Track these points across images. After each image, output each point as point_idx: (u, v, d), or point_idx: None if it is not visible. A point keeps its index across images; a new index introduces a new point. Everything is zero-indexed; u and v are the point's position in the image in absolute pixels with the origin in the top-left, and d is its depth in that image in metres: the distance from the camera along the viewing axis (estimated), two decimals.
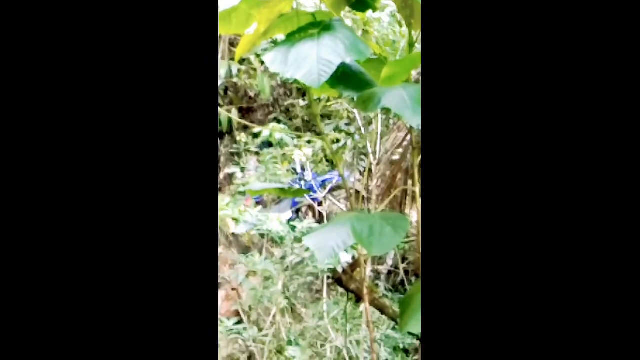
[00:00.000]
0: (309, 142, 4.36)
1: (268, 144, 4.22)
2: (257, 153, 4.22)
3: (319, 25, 1.41)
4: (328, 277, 3.42)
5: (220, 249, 3.93)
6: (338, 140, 3.94)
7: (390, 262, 4.01)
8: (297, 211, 4.99)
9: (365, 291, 1.97)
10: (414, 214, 3.13)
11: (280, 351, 3.14)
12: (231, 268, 3.71)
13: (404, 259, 3.82)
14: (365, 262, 2.89)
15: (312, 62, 1.29)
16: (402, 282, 3.79)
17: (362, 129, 3.48)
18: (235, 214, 3.28)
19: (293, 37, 1.40)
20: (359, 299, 3.29)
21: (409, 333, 3.18)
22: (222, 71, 5.54)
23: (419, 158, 1.96)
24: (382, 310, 3.20)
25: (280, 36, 1.54)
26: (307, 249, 3.02)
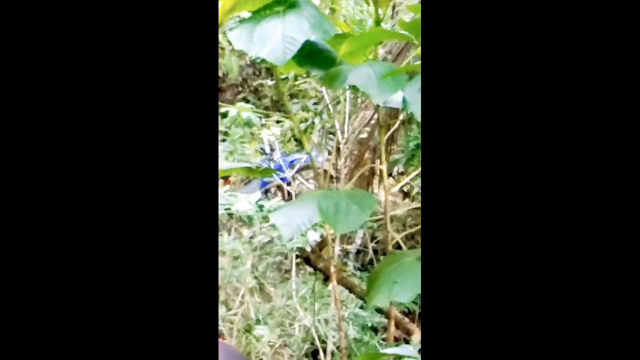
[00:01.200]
0: (277, 121, 4.34)
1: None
2: (225, 133, 4.20)
3: (284, 3, 1.40)
4: (297, 257, 3.43)
5: None
6: (306, 120, 3.94)
7: (359, 241, 4.04)
8: (266, 192, 4.99)
9: (332, 270, 1.98)
10: (381, 192, 3.15)
11: (248, 330, 3.15)
12: None
13: (372, 238, 3.83)
14: (333, 240, 2.90)
15: (276, 39, 1.28)
16: (370, 261, 3.81)
17: (330, 107, 3.47)
18: None
19: (258, 14, 1.39)
20: (327, 278, 3.31)
21: (377, 311, 3.22)
22: None
23: (386, 136, 1.97)
24: (350, 289, 3.23)
25: (247, 13, 1.52)
26: (275, 228, 3.02)
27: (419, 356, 1.19)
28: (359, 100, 3.51)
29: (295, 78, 3.87)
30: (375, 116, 3.14)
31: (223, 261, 3.36)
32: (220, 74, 6.49)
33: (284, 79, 3.69)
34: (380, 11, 1.54)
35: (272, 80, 6.08)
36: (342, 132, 3.26)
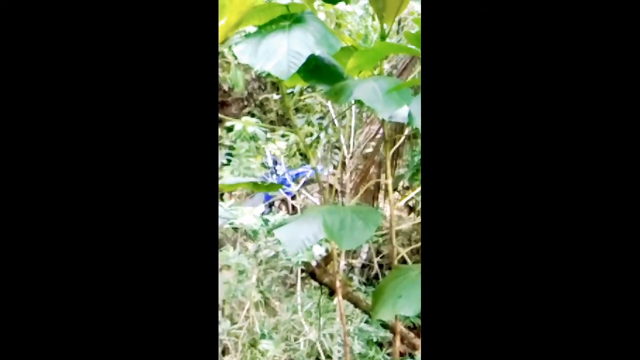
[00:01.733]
0: (282, 136, 4.35)
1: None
2: (230, 147, 4.20)
3: (290, 18, 1.41)
4: (302, 271, 3.42)
5: None
6: (312, 134, 3.94)
7: (364, 255, 4.02)
8: (270, 205, 4.99)
9: (338, 284, 1.97)
10: (387, 207, 3.14)
11: (253, 345, 3.13)
12: None
13: (378, 253, 3.83)
14: (339, 255, 2.89)
15: (282, 53, 1.28)
16: (376, 275, 3.80)
17: (336, 122, 3.48)
18: None
19: (264, 29, 1.39)
20: (332, 293, 3.30)
21: (383, 326, 3.21)
22: None
23: (391, 151, 1.96)
24: (355, 303, 3.21)
25: (252, 28, 1.53)
26: (280, 242, 3.02)
27: None
28: (365, 115, 3.51)
29: (301, 92, 3.88)
30: (381, 131, 3.14)
31: (228, 275, 3.35)
32: (225, 88, 6.51)
33: (289, 93, 3.70)
34: (385, 26, 1.54)
35: (277, 94, 6.10)
36: (348, 147, 3.27)
